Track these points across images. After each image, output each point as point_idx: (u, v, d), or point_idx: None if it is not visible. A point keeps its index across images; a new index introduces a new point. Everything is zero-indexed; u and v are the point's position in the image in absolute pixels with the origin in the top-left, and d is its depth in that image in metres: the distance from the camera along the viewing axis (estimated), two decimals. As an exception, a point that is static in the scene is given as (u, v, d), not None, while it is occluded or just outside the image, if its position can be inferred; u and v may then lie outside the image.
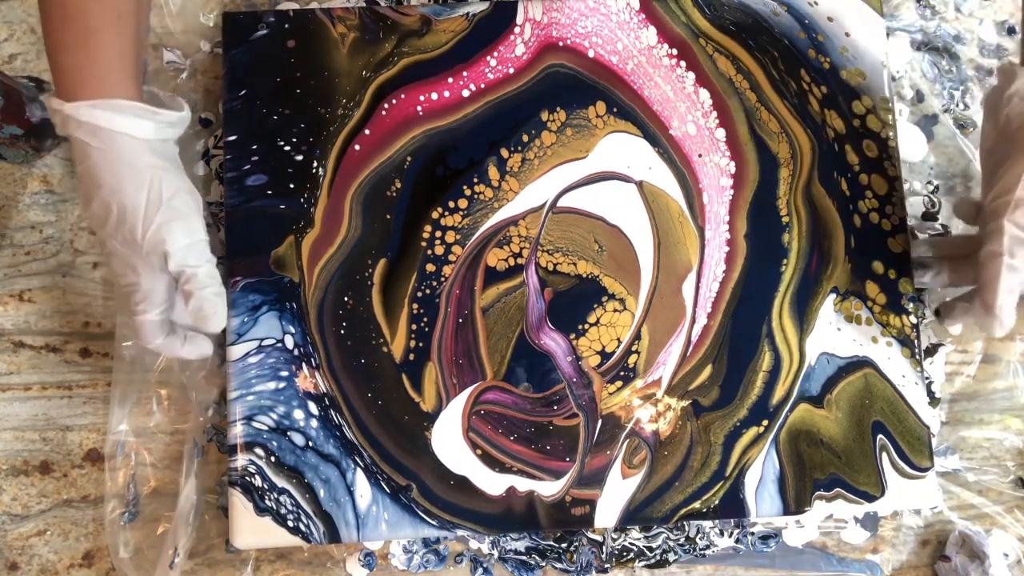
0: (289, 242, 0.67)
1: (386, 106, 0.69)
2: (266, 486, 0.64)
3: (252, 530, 0.63)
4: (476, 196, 0.68)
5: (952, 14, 0.76)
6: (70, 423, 0.68)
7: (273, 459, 0.64)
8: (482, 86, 0.70)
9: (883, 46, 0.72)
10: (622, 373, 0.67)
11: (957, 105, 0.75)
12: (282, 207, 0.67)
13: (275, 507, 0.64)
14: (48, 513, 0.67)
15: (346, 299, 0.66)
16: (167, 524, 0.66)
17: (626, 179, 0.69)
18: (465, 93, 0.69)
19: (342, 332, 0.66)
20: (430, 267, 0.67)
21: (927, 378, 0.71)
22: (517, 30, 0.71)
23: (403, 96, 0.69)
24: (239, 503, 0.63)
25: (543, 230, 0.68)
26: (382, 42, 0.70)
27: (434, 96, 0.69)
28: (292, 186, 0.67)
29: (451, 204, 0.68)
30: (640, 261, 0.69)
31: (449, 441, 0.65)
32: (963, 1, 0.76)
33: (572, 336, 0.67)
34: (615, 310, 0.68)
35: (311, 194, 0.67)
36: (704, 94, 0.71)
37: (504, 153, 0.69)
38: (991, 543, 0.66)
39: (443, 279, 0.67)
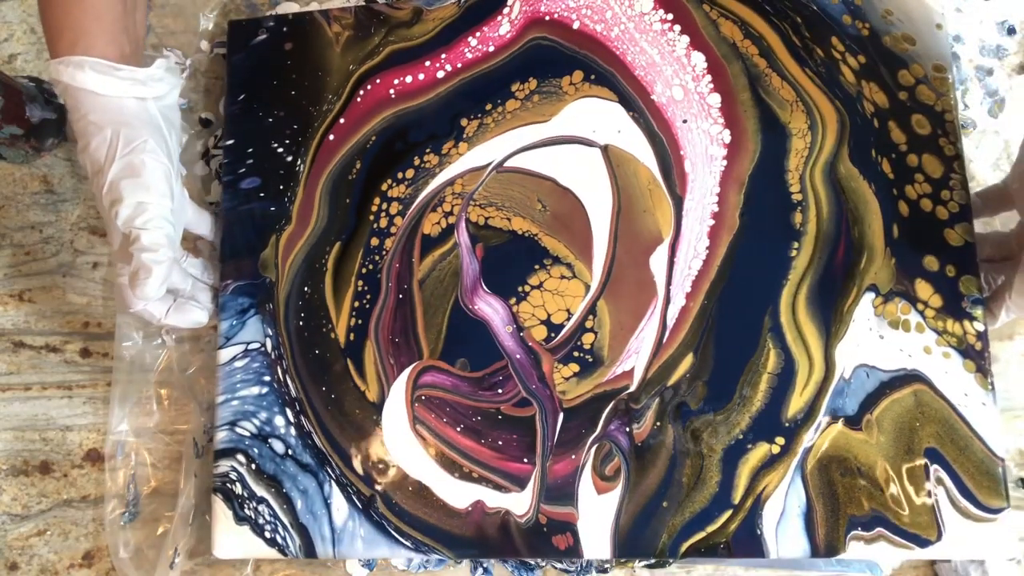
0: (272, 242, 0.64)
1: (361, 92, 0.66)
2: (246, 494, 0.60)
3: (232, 539, 0.60)
4: (423, 165, 0.64)
5: (952, 14, 0.76)
6: (70, 423, 0.66)
7: (254, 466, 0.61)
8: (459, 66, 0.65)
9: (936, 6, 0.62)
10: (576, 354, 0.59)
11: (957, 105, 0.74)
12: (272, 209, 0.65)
13: (253, 516, 0.60)
14: (48, 513, 0.65)
15: (305, 289, 0.63)
16: (167, 524, 0.63)
17: (589, 143, 0.62)
18: (440, 74, 0.65)
19: (300, 324, 0.63)
20: (374, 241, 0.63)
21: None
22: (506, 10, 0.66)
23: (378, 81, 0.66)
24: (219, 511, 0.60)
25: (480, 187, 0.63)
26: (373, 36, 0.67)
27: (408, 79, 0.66)
28: (281, 187, 0.65)
29: (399, 175, 0.64)
30: (593, 226, 0.61)
31: (399, 437, 0.60)
32: (963, 1, 0.75)
33: (512, 301, 0.60)
34: (562, 276, 0.60)
35: (292, 191, 0.65)
36: (698, 58, 0.62)
37: (463, 122, 0.64)
38: None
39: (384, 253, 0.63)
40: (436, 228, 0.63)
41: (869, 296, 0.57)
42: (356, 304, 0.62)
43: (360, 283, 0.63)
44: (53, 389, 0.67)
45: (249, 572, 0.65)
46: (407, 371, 0.61)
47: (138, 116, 0.55)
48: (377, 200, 0.64)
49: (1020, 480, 0.67)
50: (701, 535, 0.56)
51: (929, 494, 0.55)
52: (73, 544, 0.66)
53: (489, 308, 0.61)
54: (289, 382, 0.62)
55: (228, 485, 0.61)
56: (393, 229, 0.63)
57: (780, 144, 0.60)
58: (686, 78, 0.63)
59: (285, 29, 0.68)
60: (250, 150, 0.66)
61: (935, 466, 0.55)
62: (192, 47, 0.71)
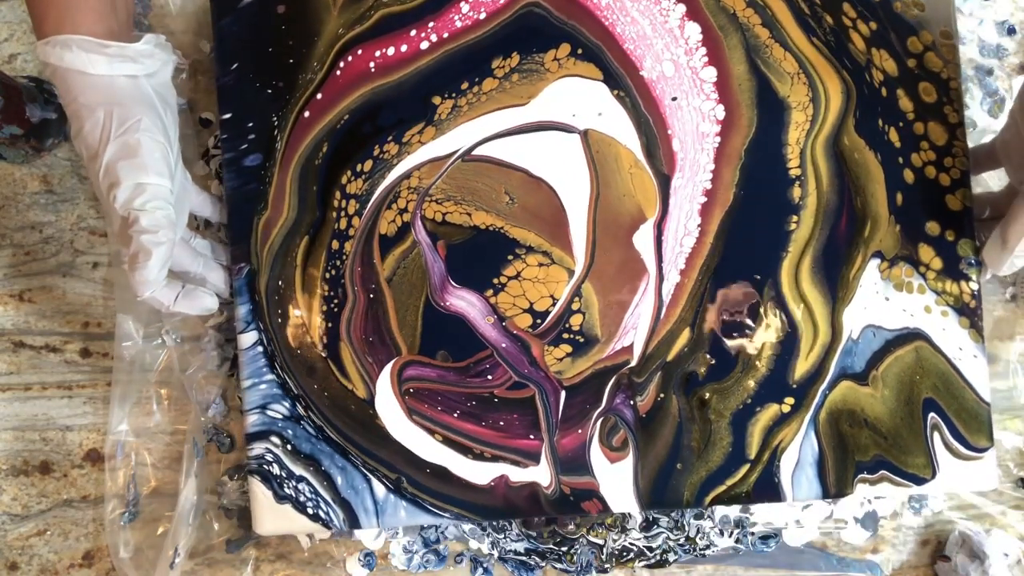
0: (253, 225, 0.65)
1: (342, 65, 0.65)
2: (284, 474, 0.64)
3: (273, 517, 0.64)
4: (382, 155, 0.65)
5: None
6: (70, 423, 0.70)
7: (289, 447, 0.64)
8: (444, 36, 0.64)
9: None
10: (566, 336, 0.63)
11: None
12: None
13: (294, 495, 0.64)
14: (48, 513, 0.69)
15: (280, 283, 0.65)
16: (167, 524, 0.66)
17: (568, 129, 0.64)
18: (424, 45, 0.64)
19: (279, 320, 0.65)
20: (335, 244, 0.64)
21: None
22: None
23: (360, 52, 0.65)
24: (259, 491, 0.64)
25: (439, 180, 0.64)
26: None
27: (390, 51, 0.65)
28: (268, 163, 0.66)
29: (358, 167, 0.65)
30: (569, 213, 0.63)
31: (400, 426, 0.64)
32: (963, 1, 0.76)
33: (488, 293, 0.64)
34: (541, 264, 0.63)
35: (270, 172, 0.65)
36: (692, 29, 0.64)
37: (436, 100, 0.64)
38: (991, 543, 0.66)
39: (345, 257, 0.64)
40: (392, 227, 0.65)
41: (875, 262, 0.63)
42: (324, 308, 0.65)
43: (326, 287, 0.65)
44: (53, 389, 0.71)
45: (249, 572, 0.66)
46: (388, 367, 0.64)
47: (130, 94, 0.56)
48: (338, 195, 0.65)
49: (1020, 480, 0.67)
50: (722, 488, 0.62)
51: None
52: (73, 544, 0.69)
53: (463, 302, 0.64)
54: (287, 378, 0.65)
55: (265, 467, 0.64)
56: (352, 231, 0.65)
57: (778, 118, 0.64)
58: (678, 52, 0.65)
59: None
60: (250, 124, 0.66)
61: (932, 413, 0.62)
62: (192, 47, 0.73)
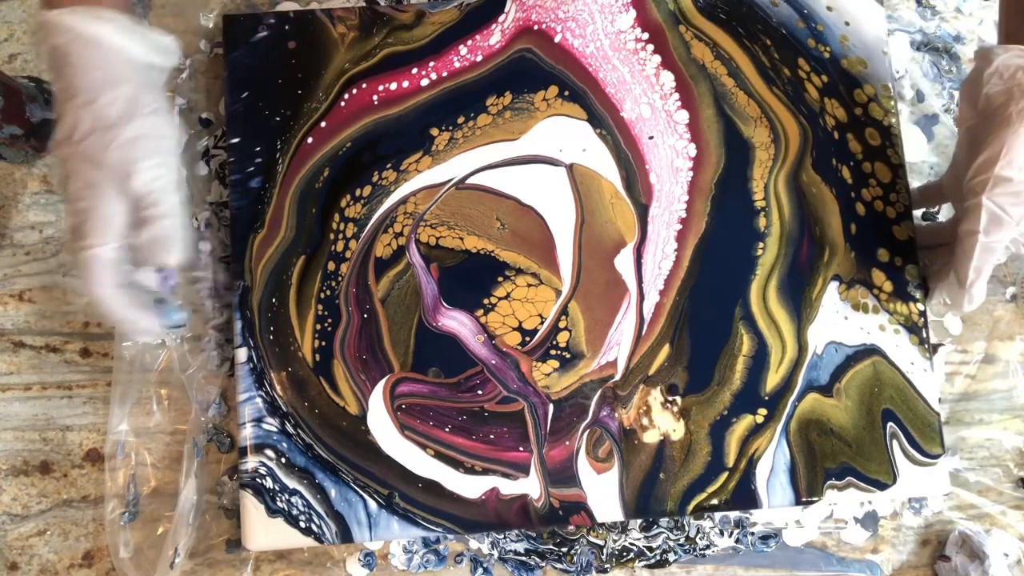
0: (248, 243, 0.67)
1: (346, 97, 0.69)
2: (277, 487, 0.65)
3: (264, 532, 0.64)
4: (380, 182, 0.68)
5: (952, 14, 0.76)
6: (70, 423, 0.69)
7: (283, 460, 0.65)
8: (444, 74, 0.70)
9: (883, 34, 0.73)
10: (553, 352, 0.67)
11: (957, 105, 0.75)
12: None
13: (287, 508, 0.64)
14: (48, 513, 0.68)
15: (274, 301, 0.67)
16: (167, 524, 0.66)
17: (555, 163, 0.69)
18: (424, 82, 0.70)
19: (271, 337, 0.66)
20: (331, 265, 0.67)
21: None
22: (501, 17, 0.71)
23: (364, 86, 0.70)
24: (250, 505, 0.64)
25: (434, 206, 0.68)
26: (373, 37, 0.70)
27: (392, 86, 0.70)
28: (267, 184, 0.68)
29: (357, 192, 0.68)
30: (556, 238, 0.68)
31: (393, 442, 0.65)
32: (963, 1, 0.76)
33: (479, 313, 0.67)
34: (529, 284, 0.68)
35: (269, 193, 0.68)
36: (666, 77, 0.71)
37: (434, 132, 0.69)
38: (991, 543, 0.67)
39: (340, 278, 0.67)
40: (387, 250, 0.68)
41: (834, 284, 0.69)
42: (318, 327, 0.67)
43: (320, 307, 0.67)
44: (53, 389, 0.70)
45: (249, 572, 0.67)
46: (380, 384, 0.66)
47: (150, 80, 0.55)
48: (336, 218, 0.68)
49: (1020, 480, 0.68)
50: (703, 495, 0.66)
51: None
52: (73, 544, 0.68)
53: (455, 322, 0.67)
54: (276, 396, 0.66)
55: (258, 480, 0.65)
56: (348, 254, 0.68)
57: (744, 156, 0.71)
58: (654, 96, 0.71)
59: (287, 27, 0.70)
60: (257, 148, 0.69)
61: (890, 423, 0.68)
62: (192, 47, 0.74)
